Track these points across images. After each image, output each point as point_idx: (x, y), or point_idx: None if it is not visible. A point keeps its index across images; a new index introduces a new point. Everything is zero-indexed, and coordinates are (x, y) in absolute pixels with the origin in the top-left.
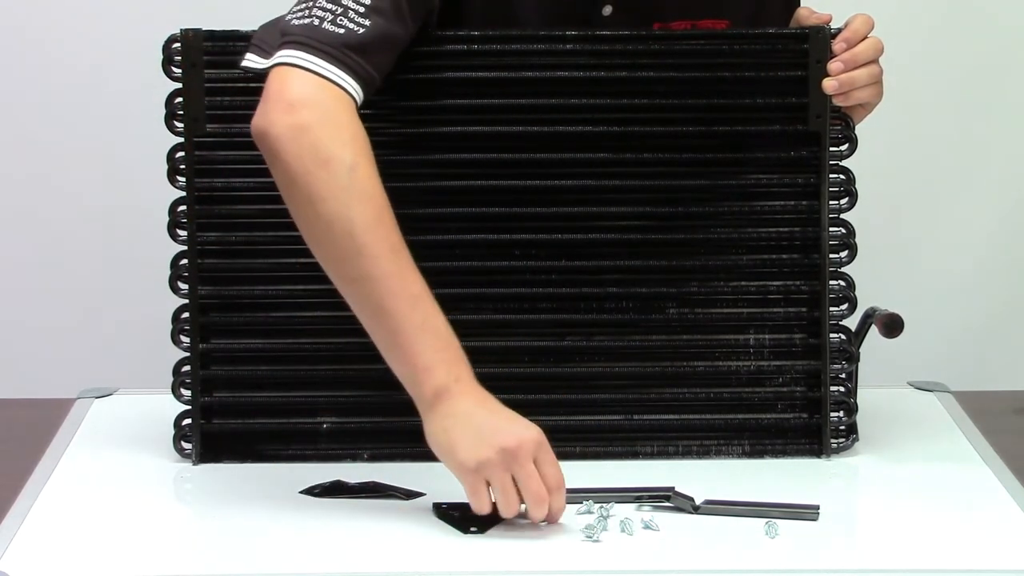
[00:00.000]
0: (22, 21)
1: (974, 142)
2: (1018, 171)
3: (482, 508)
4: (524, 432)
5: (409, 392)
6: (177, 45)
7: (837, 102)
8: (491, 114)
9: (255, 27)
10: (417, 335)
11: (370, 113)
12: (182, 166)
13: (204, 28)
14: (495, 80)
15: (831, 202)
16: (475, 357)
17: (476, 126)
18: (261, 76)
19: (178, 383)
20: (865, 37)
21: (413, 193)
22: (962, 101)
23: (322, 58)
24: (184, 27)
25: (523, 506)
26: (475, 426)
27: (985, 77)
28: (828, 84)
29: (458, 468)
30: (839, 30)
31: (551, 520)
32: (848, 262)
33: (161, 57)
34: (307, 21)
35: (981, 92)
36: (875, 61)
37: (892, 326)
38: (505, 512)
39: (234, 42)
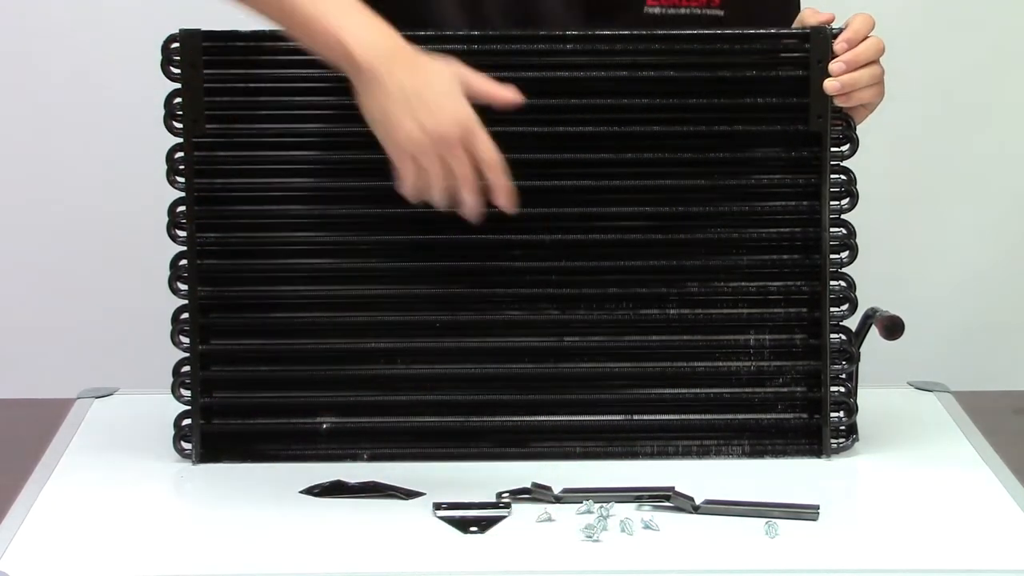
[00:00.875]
0: (21, 22)
1: (974, 142)
2: (1018, 171)
3: (407, 190)
4: (458, 116)
5: (342, 68)
6: (176, 45)
7: (839, 103)
8: (491, 114)
9: (255, 27)
10: (342, 15)
11: None
12: (181, 166)
13: (203, 28)
14: (496, 80)
15: (832, 202)
16: (476, 357)
17: None
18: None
19: (178, 383)
20: (866, 37)
21: None
22: (962, 101)
23: None
24: (183, 27)
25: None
26: (412, 106)
27: (985, 77)
28: (830, 85)
29: (392, 149)
30: (840, 30)
31: (501, 200)
32: (849, 263)
33: (160, 57)
34: None
35: (981, 92)
36: (876, 61)
37: (893, 328)
38: (432, 193)
39: (233, 42)
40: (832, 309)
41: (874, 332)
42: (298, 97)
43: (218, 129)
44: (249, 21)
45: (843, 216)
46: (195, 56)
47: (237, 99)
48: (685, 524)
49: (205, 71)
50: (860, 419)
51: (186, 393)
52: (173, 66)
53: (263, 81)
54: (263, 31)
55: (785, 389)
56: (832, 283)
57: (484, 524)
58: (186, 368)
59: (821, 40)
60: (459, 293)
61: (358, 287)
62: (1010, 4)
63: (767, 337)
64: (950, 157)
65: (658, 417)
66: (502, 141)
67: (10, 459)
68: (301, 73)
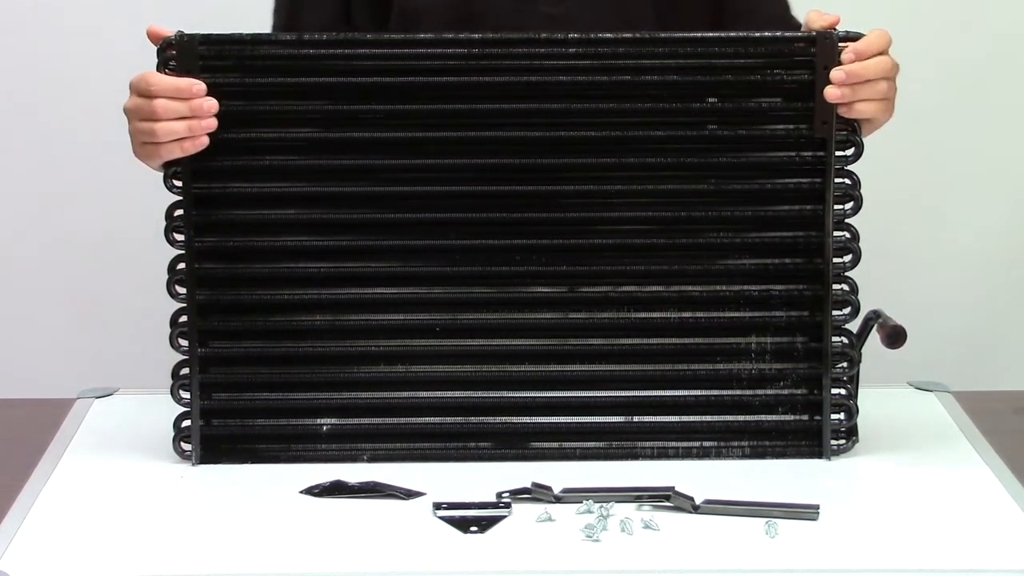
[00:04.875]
0: (18, 24)
1: (974, 142)
2: (1018, 172)
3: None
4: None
5: None
6: (173, 51)
7: (840, 112)
8: (493, 119)
9: (251, 31)
10: None
11: (372, 119)
12: (178, 170)
13: (200, 32)
14: (497, 84)
15: (835, 207)
16: (478, 359)
17: (477, 131)
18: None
19: (177, 386)
20: (878, 53)
21: (415, 198)
22: (961, 103)
23: None
24: (180, 30)
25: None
26: None
27: (985, 79)
28: (830, 92)
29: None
30: (848, 33)
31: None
32: (852, 267)
33: (157, 61)
34: None
35: (981, 94)
36: (887, 79)
37: (895, 337)
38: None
39: (230, 46)
40: (834, 312)
41: (875, 334)
42: (295, 101)
43: (215, 133)
44: (245, 25)
45: (846, 220)
46: (192, 60)
47: (233, 103)
48: (685, 524)
49: (201, 75)
50: (860, 419)
51: (185, 395)
52: (169, 70)
53: (260, 85)
54: (260, 35)
55: (786, 392)
56: (834, 287)
57: (484, 524)
58: (185, 371)
59: (827, 45)
60: (459, 296)
61: (357, 290)
62: (1011, 6)
63: (768, 340)
64: (950, 157)
65: (658, 419)
66: (503, 145)
67: (10, 459)
68: (298, 78)
